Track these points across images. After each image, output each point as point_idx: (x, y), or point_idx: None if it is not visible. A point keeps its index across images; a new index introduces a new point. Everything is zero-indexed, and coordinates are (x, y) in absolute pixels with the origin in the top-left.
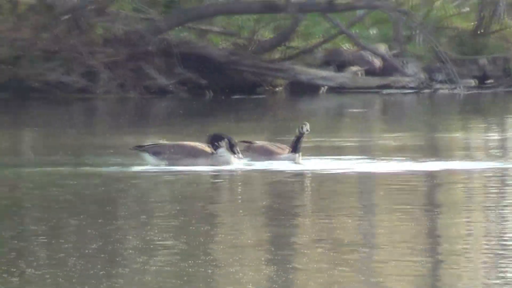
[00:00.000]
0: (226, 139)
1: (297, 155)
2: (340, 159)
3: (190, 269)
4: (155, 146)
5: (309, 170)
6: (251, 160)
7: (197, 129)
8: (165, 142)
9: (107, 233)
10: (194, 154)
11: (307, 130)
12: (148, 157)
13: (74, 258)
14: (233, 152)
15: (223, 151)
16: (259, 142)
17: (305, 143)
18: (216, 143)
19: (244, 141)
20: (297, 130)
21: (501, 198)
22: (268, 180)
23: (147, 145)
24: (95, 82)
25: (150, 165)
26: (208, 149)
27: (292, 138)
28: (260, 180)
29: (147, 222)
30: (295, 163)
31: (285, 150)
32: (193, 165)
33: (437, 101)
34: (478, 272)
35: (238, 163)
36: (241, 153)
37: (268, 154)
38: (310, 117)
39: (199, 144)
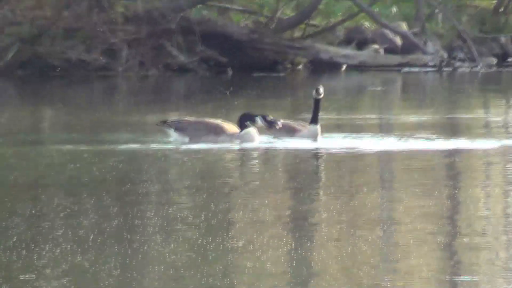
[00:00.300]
0: (259, 117)
1: (317, 127)
2: (360, 137)
3: (209, 246)
4: (179, 122)
5: (328, 148)
6: (274, 138)
7: (217, 107)
8: (189, 118)
9: (126, 211)
10: (216, 131)
11: (322, 93)
12: (171, 132)
13: (93, 236)
14: (271, 125)
15: (248, 130)
16: (282, 120)
17: (325, 120)
18: (245, 123)
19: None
20: (314, 93)
21: None
22: (288, 158)
23: (172, 120)
24: (115, 60)
25: (173, 141)
26: (232, 126)
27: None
28: (280, 158)
29: (166, 199)
30: (315, 139)
31: (307, 127)
32: (215, 142)
33: (457, 79)
34: (497, 251)
35: (260, 141)
36: (260, 133)
37: (290, 132)
38: (331, 95)
39: (223, 121)
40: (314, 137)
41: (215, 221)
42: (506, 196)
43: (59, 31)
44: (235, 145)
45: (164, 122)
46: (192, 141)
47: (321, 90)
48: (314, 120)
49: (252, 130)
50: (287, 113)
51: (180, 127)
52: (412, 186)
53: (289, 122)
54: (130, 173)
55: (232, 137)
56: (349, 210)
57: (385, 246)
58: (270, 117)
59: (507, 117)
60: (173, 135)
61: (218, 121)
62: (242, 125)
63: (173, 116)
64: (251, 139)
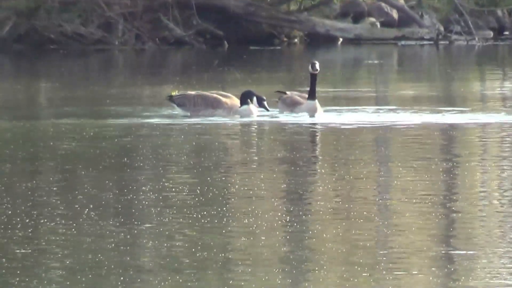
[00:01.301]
0: (255, 97)
1: (315, 102)
2: (356, 110)
3: (204, 220)
4: (181, 96)
5: (325, 122)
6: (280, 112)
7: (214, 80)
8: (190, 92)
9: (122, 185)
10: (214, 105)
11: (318, 69)
12: (175, 107)
13: (88, 210)
14: (263, 107)
15: (247, 106)
16: (289, 93)
17: (322, 94)
18: (248, 100)
19: (278, 91)
20: (309, 68)
21: None
22: (285, 132)
23: (176, 96)
24: (112, 34)
25: (178, 115)
26: (231, 99)
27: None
28: (277, 132)
29: (162, 173)
30: (313, 114)
31: (306, 102)
32: (213, 116)
33: (454, 52)
34: (494, 225)
35: (258, 115)
36: (269, 106)
37: (291, 106)
38: (327, 68)
39: (224, 94)
40: (312, 112)
41: (211, 195)
42: (502, 170)
43: (56, 5)
44: (234, 120)
45: (170, 97)
46: (193, 115)
47: (317, 66)
48: (311, 96)
49: (252, 106)
50: (283, 86)
51: (181, 102)
52: (408, 160)
53: (295, 94)
54: (126, 147)
55: (230, 110)
56: (345, 184)
57: (381, 220)
58: (264, 101)
59: (503, 90)
60: (177, 110)
61: (216, 95)
62: (243, 101)
63: (172, 90)
64: (249, 114)
